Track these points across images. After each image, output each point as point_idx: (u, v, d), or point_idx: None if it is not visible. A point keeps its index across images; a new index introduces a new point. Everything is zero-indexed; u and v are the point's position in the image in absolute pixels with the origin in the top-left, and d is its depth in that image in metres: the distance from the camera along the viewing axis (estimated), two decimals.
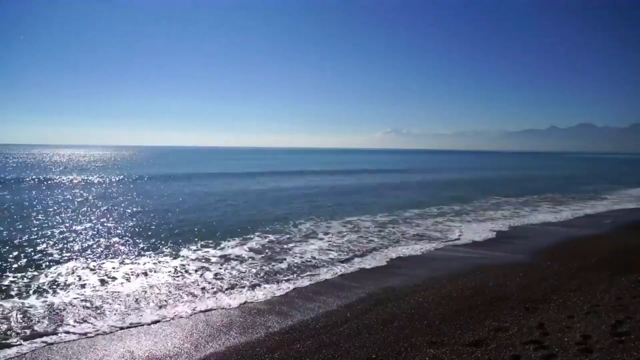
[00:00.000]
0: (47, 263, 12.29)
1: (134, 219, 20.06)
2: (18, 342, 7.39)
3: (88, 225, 18.48)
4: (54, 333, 7.79)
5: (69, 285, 10.46)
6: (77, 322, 8.28)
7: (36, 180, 41.07)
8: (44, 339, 7.55)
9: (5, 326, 8.01)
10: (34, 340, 7.47)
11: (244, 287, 10.58)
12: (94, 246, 14.59)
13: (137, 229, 17.65)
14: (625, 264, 11.61)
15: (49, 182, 39.70)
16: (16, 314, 8.57)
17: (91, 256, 13.21)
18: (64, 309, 8.93)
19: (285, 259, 13.21)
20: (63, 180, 42.03)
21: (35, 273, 11.30)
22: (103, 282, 10.76)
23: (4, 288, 10.10)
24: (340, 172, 62.23)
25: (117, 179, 43.81)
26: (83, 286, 10.40)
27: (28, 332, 7.81)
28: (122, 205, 24.97)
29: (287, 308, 9.10)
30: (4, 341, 7.42)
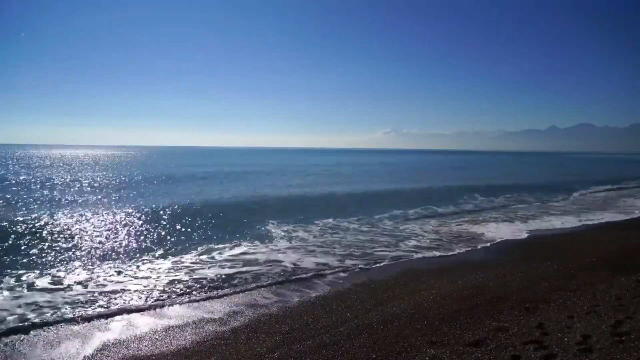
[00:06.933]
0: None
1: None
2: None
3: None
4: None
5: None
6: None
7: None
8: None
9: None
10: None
11: (242, 287, 10.61)
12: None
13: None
14: (625, 264, 11.59)
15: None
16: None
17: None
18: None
19: (284, 260, 13.23)
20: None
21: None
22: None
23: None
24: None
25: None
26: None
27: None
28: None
29: (286, 308, 9.11)
30: None
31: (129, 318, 8.60)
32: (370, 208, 24.31)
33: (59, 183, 38.95)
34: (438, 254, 14.08)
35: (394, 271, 11.98)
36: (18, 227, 17.56)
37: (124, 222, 19.33)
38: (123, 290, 10.17)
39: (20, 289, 10.19)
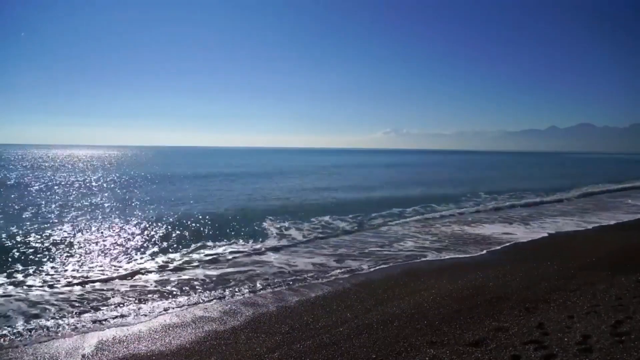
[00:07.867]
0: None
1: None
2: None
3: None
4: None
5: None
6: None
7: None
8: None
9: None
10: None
11: (241, 287, 10.61)
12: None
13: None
14: (625, 264, 11.59)
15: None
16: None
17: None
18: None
19: (283, 261, 13.23)
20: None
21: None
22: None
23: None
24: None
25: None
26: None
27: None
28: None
29: (286, 308, 9.10)
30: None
31: (128, 318, 8.60)
32: (370, 208, 24.28)
33: (58, 184, 38.93)
34: (436, 253, 14.08)
35: (394, 271, 11.97)
36: (15, 228, 17.55)
37: (123, 224, 19.32)
38: (122, 291, 10.19)
39: (18, 290, 10.19)
